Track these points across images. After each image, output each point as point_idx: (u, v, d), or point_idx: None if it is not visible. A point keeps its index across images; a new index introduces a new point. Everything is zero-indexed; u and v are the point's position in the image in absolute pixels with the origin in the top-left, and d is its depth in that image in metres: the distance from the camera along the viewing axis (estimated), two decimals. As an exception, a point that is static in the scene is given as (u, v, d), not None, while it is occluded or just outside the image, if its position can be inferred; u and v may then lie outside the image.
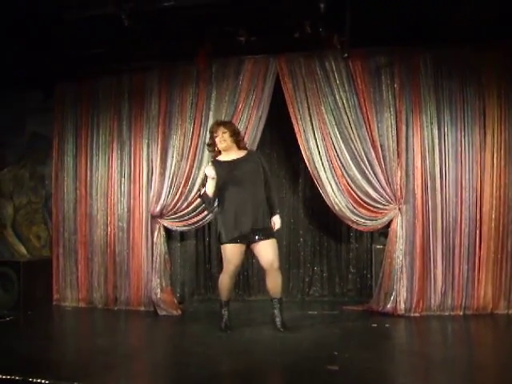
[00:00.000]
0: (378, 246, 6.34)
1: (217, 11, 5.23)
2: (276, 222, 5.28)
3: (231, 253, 5.13)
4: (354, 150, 6.00)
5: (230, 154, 5.32)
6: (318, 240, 7.15)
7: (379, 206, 6.00)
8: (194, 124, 6.32)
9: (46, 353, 4.61)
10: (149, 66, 6.54)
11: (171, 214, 6.35)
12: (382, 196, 5.97)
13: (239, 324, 5.50)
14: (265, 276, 5.23)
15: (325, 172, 6.03)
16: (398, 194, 5.94)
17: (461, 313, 5.89)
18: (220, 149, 5.33)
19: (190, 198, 6.27)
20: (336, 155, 6.03)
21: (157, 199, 6.36)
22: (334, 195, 6.04)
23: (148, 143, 6.52)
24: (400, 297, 5.86)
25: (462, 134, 5.96)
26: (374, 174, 5.97)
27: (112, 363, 4.30)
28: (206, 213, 6.26)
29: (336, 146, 6.03)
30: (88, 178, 6.77)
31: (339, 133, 6.03)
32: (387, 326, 5.54)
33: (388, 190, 5.94)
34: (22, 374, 3.85)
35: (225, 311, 5.37)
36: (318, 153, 6.06)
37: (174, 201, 6.29)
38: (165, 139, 6.41)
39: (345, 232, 7.03)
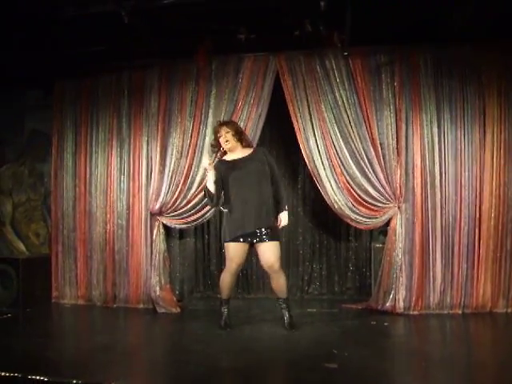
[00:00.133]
0: (378, 245, 6.34)
1: (217, 9, 5.22)
2: (283, 218, 5.26)
3: (234, 251, 5.12)
4: (354, 149, 6.00)
5: (235, 153, 5.33)
6: (317, 238, 7.16)
7: (379, 204, 6.00)
8: (194, 122, 6.32)
9: (45, 350, 4.60)
10: (148, 64, 6.53)
11: (170, 212, 6.34)
12: (381, 194, 5.97)
13: (239, 322, 5.50)
14: (265, 274, 5.24)
15: (324, 170, 6.03)
16: (398, 192, 5.94)
17: (460, 311, 5.89)
18: (225, 149, 5.34)
19: (189, 196, 6.27)
20: (336, 153, 6.03)
21: (156, 197, 6.36)
22: (334, 193, 6.04)
23: (147, 141, 6.51)
24: (399, 295, 5.87)
25: (462, 132, 5.96)
26: (374, 173, 5.97)
27: (111, 361, 4.32)
28: (205, 210, 6.27)
29: (336, 144, 6.03)
30: (87, 176, 6.76)
31: (339, 131, 6.03)
32: (386, 324, 5.55)
33: (387, 189, 5.94)
34: (21, 371, 3.85)
35: (225, 309, 5.37)
36: (317, 151, 6.06)
37: (174, 198, 6.29)
38: (164, 137, 6.40)
39: (344, 230, 7.03)
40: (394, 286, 5.90)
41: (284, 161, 7.14)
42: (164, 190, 6.33)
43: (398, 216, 5.95)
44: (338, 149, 6.02)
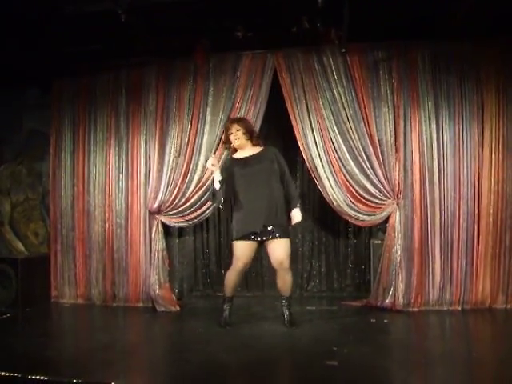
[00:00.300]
0: (377, 241, 6.34)
1: (214, 6, 5.21)
2: (295, 215, 5.24)
3: (241, 250, 5.11)
4: (352, 145, 5.99)
5: (245, 151, 5.35)
6: (316, 235, 7.15)
7: (377, 201, 5.99)
8: (192, 120, 6.31)
9: (45, 350, 4.60)
10: (146, 62, 6.52)
11: (169, 210, 6.34)
12: (380, 191, 5.96)
13: (238, 320, 5.50)
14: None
15: (323, 167, 6.03)
16: (396, 188, 5.94)
17: (459, 307, 5.90)
18: (235, 146, 5.34)
19: (187, 194, 6.26)
20: (334, 150, 6.02)
21: (155, 195, 6.35)
22: (332, 190, 6.03)
23: (146, 139, 6.50)
24: (398, 292, 5.87)
25: (460, 128, 5.96)
26: (372, 169, 5.97)
27: (110, 359, 4.31)
28: (204, 209, 6.28)
29: (334, 141, 6.02)
30: (86, 175, 6.75)
31: (337, 128, 6.03)
32: (386, 321, 5.55)
33: (386, 185, 5.94)
34: (21, 371, 3.85)
35: (226, 307, 5.36)
36: (315, 148, 6.06)
37: (172, 197, 6.29)
38: (162, 135, 6.40)
39: (343, 227, 7.02)
40: (393, 282, 5.90)
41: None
42: (162, 188, 6.32)
43: (397, 213, 5.95)
44: (336, 146, 6.02)
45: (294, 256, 7.03)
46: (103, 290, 6.62)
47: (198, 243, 7.27)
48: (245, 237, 5.08)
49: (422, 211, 5.95)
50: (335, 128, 6.03)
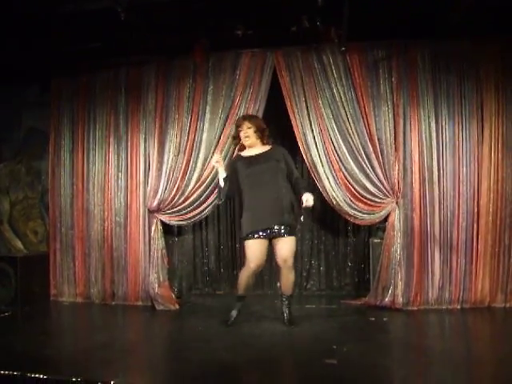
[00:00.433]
0: (376, 240, 6.33)
1: (213, 5, 5.21)
2: (308, 197, 5.04)
3: (251, 250, 5.08)
4: (352, 144, 5.99)
5: (253, 149, 5.36)
6: (315, 234, 7.14)
7: (377, 199, 6.00)
8: (191, 118, 6.30)
9: (44, 348, 4.59)
10: (145, 61, 6.51)
11: (168, 209, 6.33)
12: (379, 190, 5.96)
13: (238, 318, 5.49)
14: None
15: (322, 166, 6.03)
16: (396, 187, 5.94)
17: (458, 306, 5.90)
18: (244, 144, 5.34)
19: (187, 193, 6.26)
20: (333, 149, 6.02)
21: (154, 194, 6.34)
22: (332, 189, 6.03)
23: (145, 138, 6.50)
24: (398, 290, 5.87)
25: (460, 127, 5.96)
26: (372, 168, 5.97)
27: (110, 358, 4.31)
28: (203, 207, 6.31)
29: (333, 140, 6.02)
30: (85, 173, 6.74)
31: (337, 127, 6.03)
32: (385, 319, 5.55)
33: (386, 184, 5.94)
34: (20, 369, 3.85)
35: (236, 305, 5.36)
36: (315, 147, 6.06)
37: (171, 195, 6.28)
38: (162, 133, 6.39)
39: (342, 226, 7.02)
40: (392, 281, 5.90)
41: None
42: (162, 186, 6.32)
43: (397, 211, 5.95)
44: (335, 145, 6.02)
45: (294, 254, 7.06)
46: (102, 289, 6.62)
47: (198, 242, 7.27)
48: (253, 235, 5.06)
49: (421, 210, 5.95)
50: (335, 127, 6.03)
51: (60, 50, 6.07)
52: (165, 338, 5.35)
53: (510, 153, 5.91)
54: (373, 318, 5.60)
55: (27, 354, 4.38)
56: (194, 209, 6.32)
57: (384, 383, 3.82)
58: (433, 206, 5.94)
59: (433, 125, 5.97)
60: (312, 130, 6.06)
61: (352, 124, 6.00)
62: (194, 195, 6.24)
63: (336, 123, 6.03)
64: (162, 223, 6.40)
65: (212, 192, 6.23)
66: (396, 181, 5.94)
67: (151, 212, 6.37)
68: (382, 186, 5.95)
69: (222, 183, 5.36)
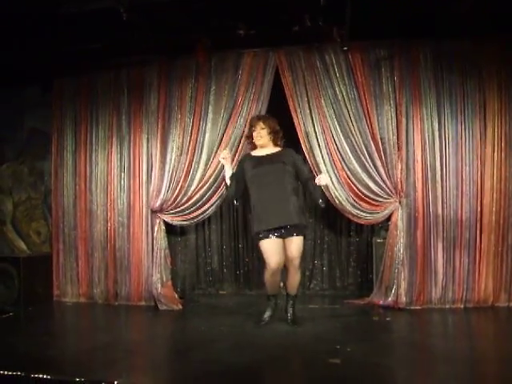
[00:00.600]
0: (379, 240, 6.32)
1: (215, 4, 5.20)
2: (320, 177, 5.12)
3: (267, 250, 5.03)
4: (354, 143, 5.99)
5: (264, 150, 5.36)
6: (318, 234, 7.13)
7: (380, 199, 5.99)
8: (194, 118, 6.31)
9: (48, 349, 4.59)
10: (147, 61, 6.52)
11: (171, 209, 6.33)
12: (382, 189, 5.96)
13: (240, 318, 5.51)
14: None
15: (325, 165, 6.02)
16: (399, 187, 5.93)
17: (461, 306, 5.89)
18: (256, 144, 5.35)
19: (189, 193, 6.26)
20: (336, 148, 6.02)
21: (157, 194, 6.35)
22: (335, 189, 6.03)
23: (147, 138, 6.50)
24: (401, 290, 5.86)
25: (463, 126, 5.96)
26: (375, 167, 5.96)
27: (113, 358, 4.30)
28: (206, 207, 6.32)
29: (336, 139, 6.02)
30: (87, 174, 6.76)
31: (339, 126, 6.03)
32: (388, 319, 5.55)
33: (388, 183, 5.94)
34: (23, 370, 3.85)
35: (269, 304, 5.37)
36: (317, 146, 6.06)
37: (174, 195, 6.28)
38: (164, 134, 6.40)
39: (345, 226, 7.01)
40: (395, 281, 5.90)
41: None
42: (165, 186, 6.32)
43: (399, 211, 5.94)
44: (338, 144, 6.02)
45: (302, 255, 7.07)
46: (105, 289, 6.62)
47: (200, 241, 7.27)
48: (267, 236, 5.03)
49: (424, 209, 5.95)
50: (337, 126, 6.03)
51: (62, 51, 6.07)
52: (168, 338, 5.34)
53: (513, 152, 5.90)
54: (376, 318, 5.60)
55: (31, 355, 4.38)
56: (197, 209, 6.32)
57: (387, 383, 3.81)
58: (436, 206, 5.94)
59: (435, 124, 5.97)
60: (314, 130, 6.06)
61: (354, 123, 6.00)
62: (197, 195, 6.24)
63: (338, 122, 6.03)
64: (165, 223, 6.40)
65: (215, 192, 6.24)
66: (399, 180, 5.94)
67: (154, 212, 6.37)
68: (384, 186, 5.95)
69: (228, 181, 5.37)
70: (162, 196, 6.32)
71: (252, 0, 5.15)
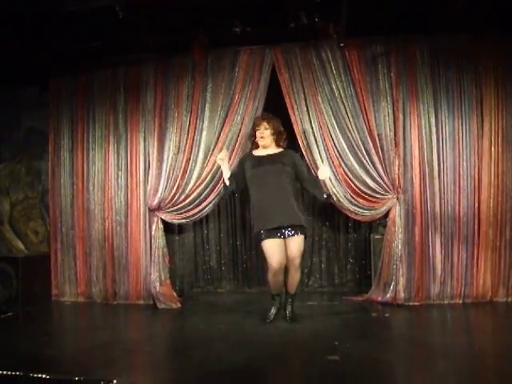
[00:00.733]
0: (377, 236, 6.33)
1: (212, 2, 5.20)
2: (321, 170, 5.23)
3: (269, 251, 5.06)
4: (352, 140, 5.99)
5: (266, 150, 5.38)
6: (316, 231, 7.12)
7: (377, 195, 5.99)
8: (191, 116, 6.30)
9: (46, 348, 4.60)
10: (144, 59, 6.50)
11: (169, 207, 6.33)
12: (380, 185, 5.96)
13: (239, 316, 5.51)
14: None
15: (322, 162, 6.00)
16: (396, 183, 5.93)
17: (460, 301, 5.90)
18: (259, 144, 5.35)
19: (187, 191, 6.25)
20: (333, 145, 6.02)
21: (154, 192, 6.34)
22: (332, 185, 6.02)
23: (144, 136, 6.49)
24: (399, 286, 5.87)
25: (460, 122, 5.96)
26: (372, 164, 5.96)
27: (112, 357, 4.31)
28: (203, 205, 6.30)
29: (333, 136, 6.02)
30: (85, 173, 6.74)
31: (336, 123, 6.02)
32: (387, 315, 5.56)
33: (386, 180, 5.94)
34: (22, 369, 3.84)
35: (273, 303, 5.40)
36: (315, 143, 6.05)
37: (172, 194, 6.28)
38: (161, 132, 6.38)
39: (343, 222, 7.00)
40: (394, 277, 5.90)
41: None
42: (162, 185, 6.32)
43: (397, 207, 5.95)
44: (335, 141, 6.02)
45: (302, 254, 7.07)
46: (104, 288, 6.62)
47: (199, 240, 7.26)
48: (268, 236, 5.05)
49: (422, 205, 5.95)
50: (334, 123, 6.02)
51: (58, 50, 6.05)
52: (167, 337, 5.33)
53: (510, 147, 5.90)
54: (375, 314, 5.61)
55: (29, 355, 4.37)
56: (195, 207, 6.31)
57: (387, 379, 3.82)
58: (433, 201, 5.94)
59: (432, 120, 5.97)
60: (312, 127, 6.06)
61: (351, 120, 6.00)
62: (194, 193, 6.23)
63: (335, 119, 6.03)
64: (163, 222, 6.40)
65: (212, 190, 6.23)
66: (396, 176, 5.94)
67: (152, 211, 6.36)
68: (382, 182, 5.95)
69: (226, 182, 5.38)
70: (159, 194, 6.31)
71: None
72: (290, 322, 5.22)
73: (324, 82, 6.06)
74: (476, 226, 5.89)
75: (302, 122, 6.08)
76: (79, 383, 3.64)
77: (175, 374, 4.06)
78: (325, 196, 5.36)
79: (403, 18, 5.54)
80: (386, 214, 6.05)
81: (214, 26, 5.67)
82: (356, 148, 5.98)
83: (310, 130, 6.06)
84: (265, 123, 5.34)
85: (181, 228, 6.93)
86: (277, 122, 5.46)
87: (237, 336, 4.90)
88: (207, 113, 6.25)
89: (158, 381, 3.97)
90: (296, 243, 5.07)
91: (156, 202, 6.31)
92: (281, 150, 5.42)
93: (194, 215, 6.37)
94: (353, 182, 5.99)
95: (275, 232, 5.03)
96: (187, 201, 6.28)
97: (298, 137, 6.07)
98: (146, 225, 6.43)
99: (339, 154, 6.02)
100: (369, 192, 5.99)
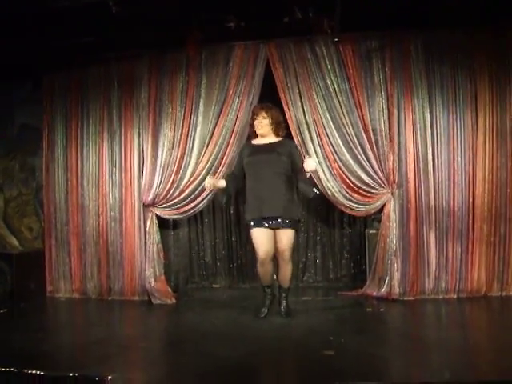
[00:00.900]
0: (372, 231, 6.34)
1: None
2: (307, 162, 4.96)
3: (256, 239, 5.08)
4: (346, 135, 5.99)
5: (264, 139, 5.33)
6: (311, 226, 7.13)
7: (372, 190, 5.99)
8: (185, 112, 6.28)
9: (41, 344, 4.59)
10: (138, 55, 6.48)
11: (163, 203, 6.32)
12: (374, 180, 5.96)
13: (234, 311, 5.51)
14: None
15: (317, 157, 6.01)
16: (391, 178, 5.94)
17: (455, 296, 5.91)
18: (257, 133, 5.32)
19: (181, 186, 6.24)
20: (328, 140, 6.02)
21: (148, 188, 6.33)
22: (327, 180, 6.03)
23: (139, 132, 6.47)
24: (394, 281, 5.88)
25: (454, 117, 5.96)
26: (367, 159, 5.96)
27: (107, 353, 4.30)
28: (198, 201, 6.30)
29: (328, 131, 6.02)
30: (79, 169, 6.72)
31: (331, 118, 6.02)
32: (382, 310, 5.57)
33: (380, 175, 5.94)
34: (16, 366, 3.83)
35: (265, 296, 5.39)
36: (309, 138, 6.05)
37: (166, 189, 6.27)
38: (155, 128, 6.37)
39: (338, 217, 7.01)
40: (389, 272, 5.91)
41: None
42: (156, 180, 6.30)
43: (392, 202, 5.95)
44: (330, 136, 6.02)
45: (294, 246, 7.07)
46: (98, 284, 6.61)
47: (193, 235, 7.26)
48: (257, 225, 5.06)
49: (416, 200, 5.95)
50: (329, 118, 6.02)
51: (51, 46, 6.02)
52: (162, 333, 5.34)
53: (505, 142, 5.91)
54: (370, 309, 5.62)
55: (24, 351, 4.35)
56: (189, 202, 6.31)
57: (381, 373, 3.81)
58: (428, 196, 5.94)
59: (427, 115, 5.97)
60: (306, 122, 6.05)
61: (346, 115, 6.00)
62: (189, 189, 6.22)
63: (330, 114, 6.02)
64: (158, 217, 6.39)
65: (207, 186, 6.23)
66: (391, 171, 5.94)
67: (146, 206, 6.35)
68: (377, 177, 5.95)
69: (223, 183, 5.36)
70: (153, 190, 6.30)
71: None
72: (285, 318, 5.22)
73: (318, 76, 6.05)
74: (470, 221, 5.90)
75: (297, 116, 6.07)
76: (74, 379, 3.61)
77: (170, 369, 4.05)
78: (313, 194, 5.33)
79: (398, 13, 5.53)
80: (381, 209, 6.05)
81: (207, 22, 5.64)
82: (351, 143, 5.99)
83: (305, 125, 6.06)
84: (263, 113, 5.28)
85: (175, 223, 6.91)
86: (275, 111, 5.41)
87: (232, 331, 4.90)
88: (201, 108, 6.24)
89: (153, 377, 3.95)
90: (285, 235, 5.06)
91: (150, 197, 6.30)
92: (279, 139, 5.37)
93: (188, 210, 6.36)
94: (347, 177, 5.99)
95: (264, 221, 5.03)
96: (182, 196, 6.27)
97: (293, 132, 6.05)
98: (140, 220, 6.41)
99: (334, 149, 6.02)
100: (363, 187, 5.99)
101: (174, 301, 6.25)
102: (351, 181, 5.99)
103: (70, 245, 6.73)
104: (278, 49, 6.14)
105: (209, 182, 5.30)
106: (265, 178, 5.09)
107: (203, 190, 6.19)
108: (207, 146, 6.16)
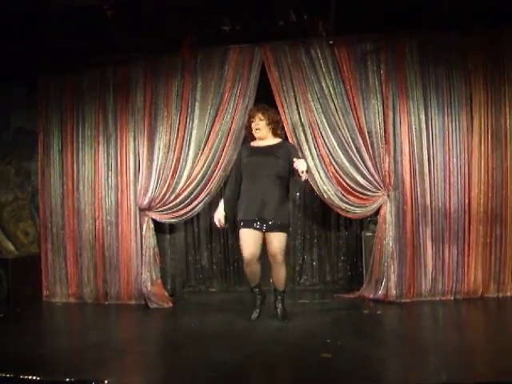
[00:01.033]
0: (368, 233, 6.34)
1: (200, 1, 5.19)
2: (298, 163, 4.79)
3: (243, 240, 5.09)
4: (342, 138, 5.99)
5: (262, 141, 5.32)
6: (307, 229, 7.13)
7: (368, 192, 6.00)
8: (180, 115, 6.28)
9: (38, 349, 4.57)
10: (133, 58, 6.47)
11: (159, 207, 6.31)
12: (370, 183, 5.97)
13: (231, 315, 5.50)
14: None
15: (312, 160, 6.02)
16: (387, 180, 5.94)
17: (451, 297, 5.92)
18: (255, 136, 5.31)
19: (177, 190, 6.24)
20: (323, 143, 6.02)
21: (144, 192, 6.32)
22: (323, 183, 6.03)
23: (134, 136, 6.47)
24: (391, 283, 5.88)
25: (449, 119, 5.97)
26: (362, 161, 5.97)
27: (104, 358, 4.28)
28: (193, 205, 6.31)
29: (323, 134, 6.02)
30: (75, 173, 6.70)
31: (326, 120, 6.03)
32: (379, 312, 5.57)
33: (376, 177, 5.95)
34: (12, 371, 3.82)
35: (255, 297, 5.43)
36: (305, 141, 6.05)
37: (162, 193, 6.26)
38: (151, 131, 6.36)
39: (334, 220, 7.01)
40: (385, 274, 5.91)
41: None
42: (152, 184, 6.30)
43: (388, 204, 5.96)
44: (325, 138, 6.02)
45: (286, 249, 7.05)
46: (95, 289, 6.59)
47: (190, 239, 7.24)
48: (246, 225, 5.06)
49: (412, 202, 5.96)
50: (324, 120, 6.03)
51: (47, 49, 6.02)
52: (158, 337, 5.32)
53: (500, 143, 5.92)
54: (366, 311, 5.62)
55: (20, 356, 4.33)
56: (185, 206, 6.30)
57: (379, 375, 3.81)
58: (424, 198, 5.95)
59: (422, 117, 5.98)
60: (301, 124, 6.06)
61: (341, 117, 6.00)
62: (185, 192, 6.22)
63: (325, 117, 6.03)
64: (154, 221, 6.38)
65: (202, 189, 6.23)
66: (387, 173, 5.95)
67: (142, 210, 6.34)
68: (372, 179, 5.96)
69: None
70: (149, 194, 6.29)
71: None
72: (282, 320, 5.20)
73: (314, 79, 6.06)
74: (466, 223, 5.90)
75: (292, 119, 6.08)
76: (70, 384, 3.63)
77: (167, 373, 4.04)
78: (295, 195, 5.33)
79: (392, 16, 5.54)
80: (377, 212, 6.06)
81: (203, 25, 5.65)
82: (346, 145, 5.99)
83: (300, 128, 6.06)
84: (259, 114, 5.28)
85: (172, 227, 6.90)
86: (271, 112, 5.40)
87: (228, 335, 4.89)
88: (197, 111, 6.24)
89: (149, 381, 3.94)
90: (276, 239, 5.04)
91: (146, 201, 6.29)
92: (279, 140, 5.36)
93: (184, 214, 6.36)
94: (343, 180, 6.00)
95: (253, 223, 5.02)
96: (178, 200, 6.26)
97: (288, 134, 6.04)
98: (136, 224, 6.40)
99: (329, 152, 6.02)
100: (359, 189, 6.00)
101: (170, 305, 6.24)
102: (347, 183, 6.00)
103: (66, 249, 6.71)
104: (273, 52, 6.15)
105: (217, 220, 5.42)
106: (260, 180, 5.08)
107: (199, 193, 6.21)
108: (203, 149, 6.16)
